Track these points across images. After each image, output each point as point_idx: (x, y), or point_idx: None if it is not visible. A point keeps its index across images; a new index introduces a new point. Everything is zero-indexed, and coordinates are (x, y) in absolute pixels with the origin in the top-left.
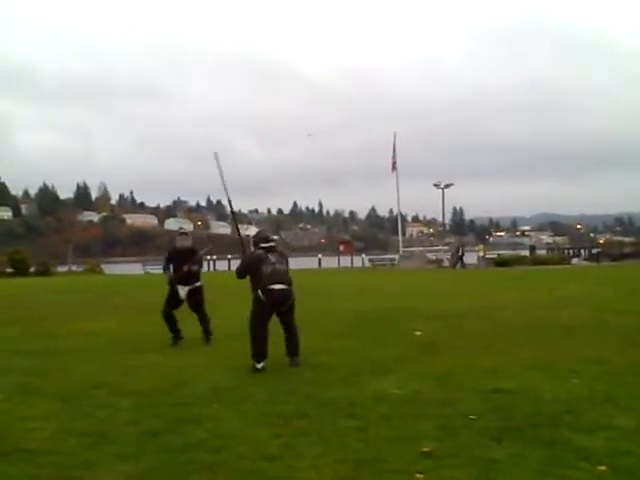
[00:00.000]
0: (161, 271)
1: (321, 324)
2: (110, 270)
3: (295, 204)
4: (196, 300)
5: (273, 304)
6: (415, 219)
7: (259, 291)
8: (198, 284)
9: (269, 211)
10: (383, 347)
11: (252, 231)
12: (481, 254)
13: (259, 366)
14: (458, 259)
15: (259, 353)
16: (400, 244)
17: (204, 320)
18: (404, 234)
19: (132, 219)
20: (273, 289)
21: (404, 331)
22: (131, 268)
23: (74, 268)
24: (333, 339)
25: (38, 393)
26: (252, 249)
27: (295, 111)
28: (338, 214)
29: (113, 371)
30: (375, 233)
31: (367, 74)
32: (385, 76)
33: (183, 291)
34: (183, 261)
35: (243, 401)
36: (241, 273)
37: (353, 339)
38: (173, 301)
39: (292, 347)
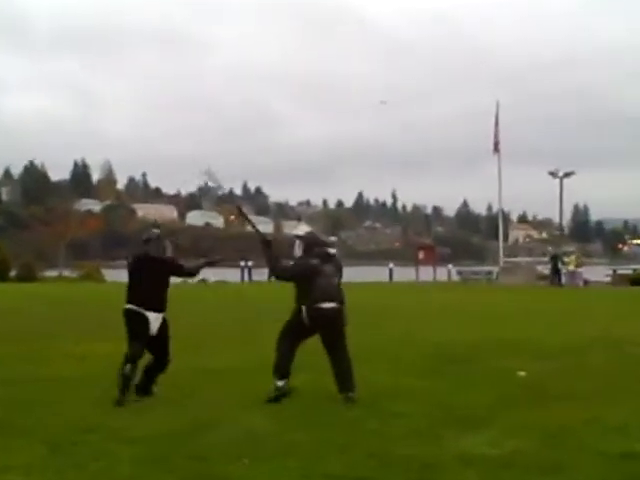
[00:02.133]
0: (179, 279)
1: (392, 357)
2: (113, 276)
3: (360, 195)
4: (165, 336)
5: (317, 326)
6: (522, 219)
7: (304, 308)
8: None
9: (325, 203)
10: (474, 391)
11: (301, 230)
12: (571, 267)
13: (280, 384)
14: (553, 273)
15: (280, 369)
16: (501, 252)
17: (165, 365)
18: (506, 239)
19: (144, 210)
20: (322, 308)
21: (503, 370)
22: None
23: (67, 273)
24: (407, 378)
25: (17, 435)
26: (298, 253)
27: (362, 71)
28: (418, 210)
29: (113, 409)
30: (467, 237)
31: (456, 22)
32: (479, 26)
33: (156, 322)
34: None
35: (283, 455)
36: (287, 277)
37: (434, 379)
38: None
39: (345, 381)
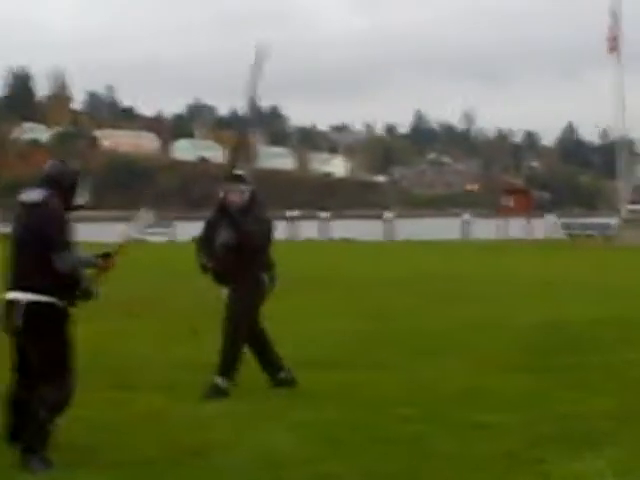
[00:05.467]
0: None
1: (471, 347)
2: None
3: (419, 115)
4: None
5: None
6: None
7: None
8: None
9: (370, 129)
10: (589, 394)
11: (337, 166)
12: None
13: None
14: None
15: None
16: (623, 197)
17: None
18: (633, 177)
19: (112, 138)
20: None
21: (628, 366)
22: (111, 231)
23: (4, 229)
24: (493, 375)
25: None
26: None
27: None
28: (503, 137)
29: (75, 423)
30: (574, 174)
31: None
32: None
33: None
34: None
35: None
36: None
37: (530, 377)
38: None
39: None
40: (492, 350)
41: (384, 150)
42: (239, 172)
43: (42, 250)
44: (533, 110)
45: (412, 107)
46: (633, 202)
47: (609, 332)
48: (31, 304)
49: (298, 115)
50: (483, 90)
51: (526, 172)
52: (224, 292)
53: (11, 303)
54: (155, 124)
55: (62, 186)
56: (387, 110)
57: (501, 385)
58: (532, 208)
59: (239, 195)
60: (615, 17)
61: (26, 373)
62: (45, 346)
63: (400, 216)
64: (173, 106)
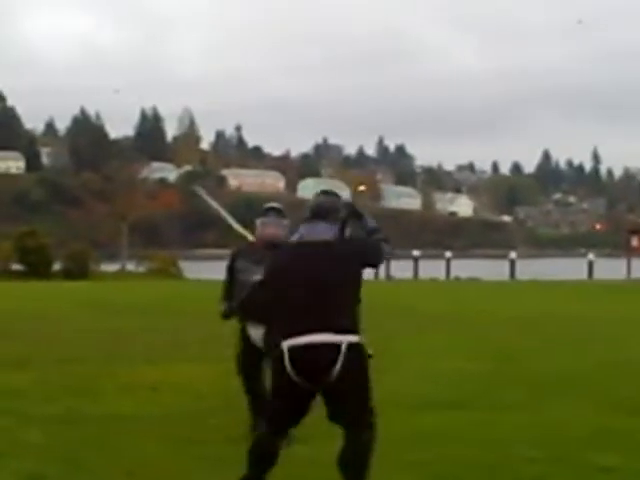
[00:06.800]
0: None
1: (600, 387)
2: (196, 272)
3: (546, 155)
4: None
5: None
6: None
7: None
8: None
9: (495, 168)
10: None
11: (462, 205)
12: None
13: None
14: None
15: None
16: None
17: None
18: None
19: (239, 178)
20: None
21: None
22: None
23: (131, 267)
24: (620, 417)
25: None
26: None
27: None
28: (630, 176)
29: (204, 462)
30: None
31: None
32: None
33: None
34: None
35: None
36: None
37: None
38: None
39: None
40: (618, 392)
41: (509, 189)
42: (276, 205)
43: (353, 288)
44: None
45: (540, 146)
46: None
47: None
48: (350, 346)
49: (424, 154)
50: (612, 128)
51: None
52: (256, 332)
53: (313, 348)
54: (282, 164)
55: (336, 219)
56: (515, 149)
57: (627, 427)
58: None
59: (280, 229)
60: None
61: (288, 423)
62: (361, 390)
63: (525, 256)
64: (300, 146)
